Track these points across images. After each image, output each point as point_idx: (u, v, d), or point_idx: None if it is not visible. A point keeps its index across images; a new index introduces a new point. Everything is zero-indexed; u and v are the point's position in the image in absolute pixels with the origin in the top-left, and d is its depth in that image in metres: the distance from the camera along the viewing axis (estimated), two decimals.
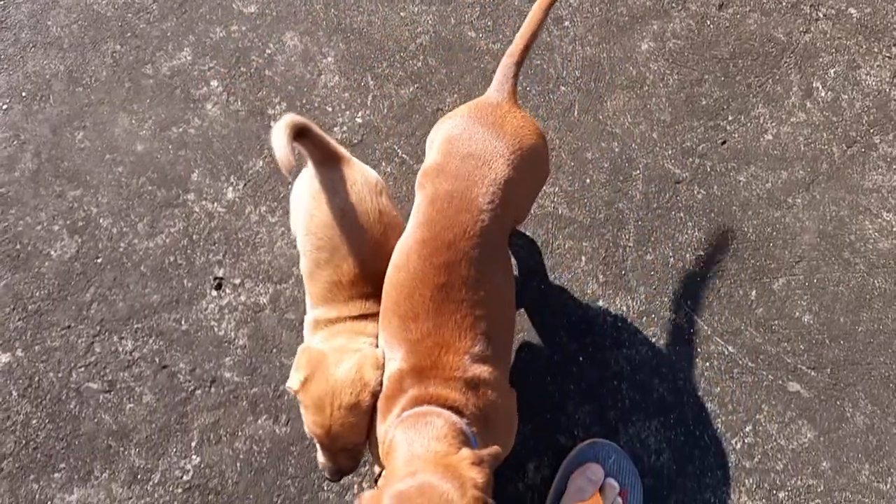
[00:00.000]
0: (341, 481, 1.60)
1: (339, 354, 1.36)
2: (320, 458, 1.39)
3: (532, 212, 1.96)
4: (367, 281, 1.44)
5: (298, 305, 1.86)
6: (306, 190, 1.51)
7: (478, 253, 1.33)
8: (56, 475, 1.71)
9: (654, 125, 2.05)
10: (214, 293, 1.89)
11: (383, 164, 2.00)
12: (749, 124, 2.05)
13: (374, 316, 1.43)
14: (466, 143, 1.40)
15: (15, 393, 1.78)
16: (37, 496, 1.69)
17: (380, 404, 1.32)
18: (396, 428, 1.25)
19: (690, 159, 2.01)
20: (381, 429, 1.31)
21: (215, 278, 1.90)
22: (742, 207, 1.97)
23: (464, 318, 1.30)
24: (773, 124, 2.04)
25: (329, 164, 1.49)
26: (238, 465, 1.73)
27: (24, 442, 1.74)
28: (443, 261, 1.30)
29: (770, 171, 2.00)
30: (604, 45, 2.13)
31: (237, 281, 1.90)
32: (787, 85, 2.08)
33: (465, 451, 1.16)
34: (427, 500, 1.07)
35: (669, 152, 2.02)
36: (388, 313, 1.36)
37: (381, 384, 1.32)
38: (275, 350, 1.83)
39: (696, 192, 1.98)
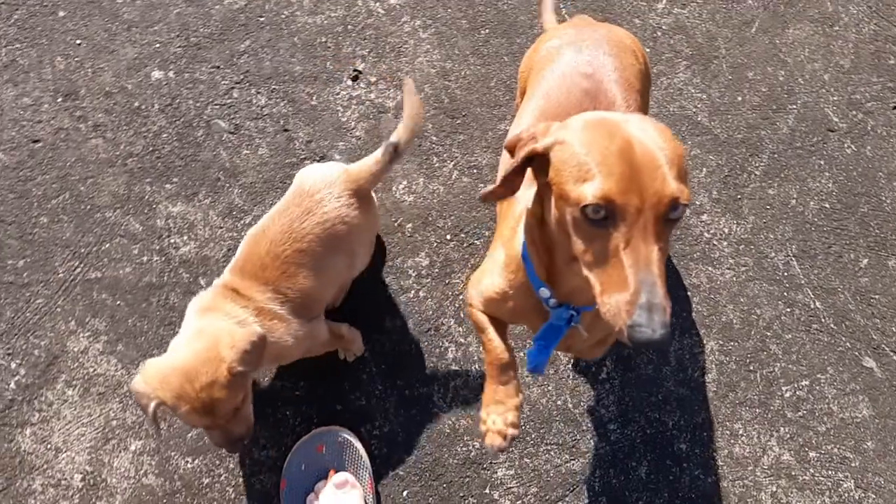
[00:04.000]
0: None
1: (189, 343, 1.37)
2: (212, 439, 1.41)
3: (670, 110, 1.92)
4: (270, 275, 1.46)
5: None
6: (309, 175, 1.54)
7: (616, 90, 1.31)
8: (168, 186, 1.90)
9: (830, 67, 1.93)
10: (350, 83, 1.99)
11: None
12: None
13: (260, 311, 1.44)
14: (580, 29, 1.42)
15: (157, 106, 1.96)
16: (147, 197, 1.89)
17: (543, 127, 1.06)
18: None
19: (854, 112, 1.90)
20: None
21: (355, 70, 1.99)
22: (889, 177, 1.85)
23: None
24: None
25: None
26: None
27: (150, 149, 1.93)
28: (587, 87, 1.30)
29: None
30: None
31: (373, 79, 1.98)
32: None
33: None
34: (640, 119, 0.91)
35: (834, 98, 1.91)
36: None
37: (241, 360, 1.32)
38: None
39: (846, 145, 1.88)
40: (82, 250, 1.84)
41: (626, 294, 0.83)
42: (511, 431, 1.28)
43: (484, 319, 1.32)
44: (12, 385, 1.73)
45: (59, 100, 1.96)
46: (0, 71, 1.97)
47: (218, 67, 2.00)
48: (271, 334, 1.45)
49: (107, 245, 1.85)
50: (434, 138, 1.92)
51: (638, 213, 0.83)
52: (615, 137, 0.86)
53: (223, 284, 1.48)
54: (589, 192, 0.84)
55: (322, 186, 1.50)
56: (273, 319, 1.47)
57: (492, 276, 1.25)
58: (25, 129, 1.93)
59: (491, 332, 1.32)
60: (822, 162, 1.87)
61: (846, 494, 1.64)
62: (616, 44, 1.37)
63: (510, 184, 0.99)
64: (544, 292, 1.10)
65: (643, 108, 1.57)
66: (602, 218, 0.84)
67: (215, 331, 1.38)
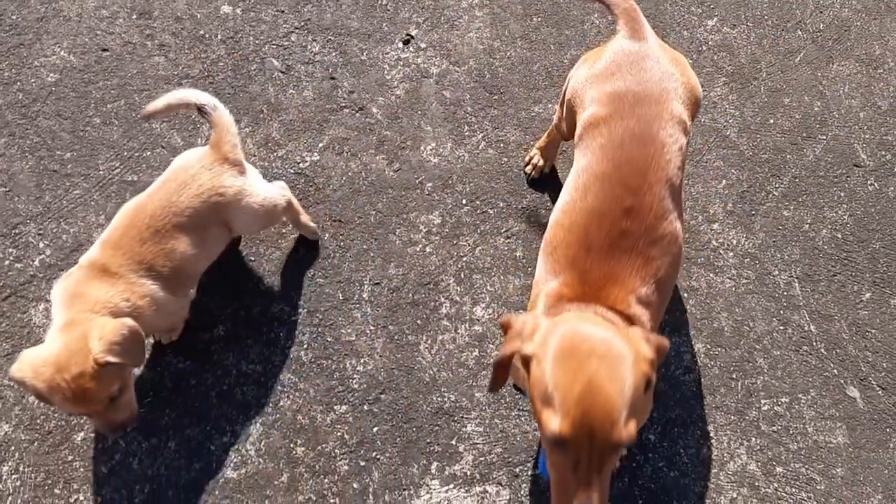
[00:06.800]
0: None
1: (62, 335, 1.40)
2: (94, 424, 1.44)
3: (701, 121, 1.97)
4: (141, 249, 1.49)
5: (457, 88, 2.02)
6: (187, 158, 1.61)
7: (662, 193, 1.27)
8: None
9: (867, 106, 1.96)
10: (400, 45, 2.09)
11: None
12: None
13: (125, 283, 1.47)
14: (631, 85, 1.34)
15: (219, 37, 2.10)
16: (192, 116, 2.01)
17: (530, 326, 1.14)
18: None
19: (883, 153, 1.91)
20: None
21: (407, 34, 2.10)
22: None
23: (637, 257, 1.25)
24: None
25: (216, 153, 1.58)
26: (344, 178, 1.95)
27: (206, 74, 2.06)
28: (629, 205, 1.26)
29: None
30: (863, 15, 2.04)
31: (423, 45, 2.08)
32: None
33: (637, 329, 1.12)
34: (607, 349, 1.03)
35: (866, 136, 1.93)
36: (556, 242, 1.32)
37: (109, 350, 1.35)
38: (419, 112, 2.01)
39: (869, 182, 1.89)
40: (125, 154, 1.96)
41: None
42: None
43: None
44: (36, 263, 1.85)
45: (134, 17, 2.11)
46: None
47: (282, 11, 2.12)
48: (142, 312, 1.47)
49: (148, 153, 1.97)
50: (469, 108, 2.01)
51: (587, 448, 1.01)
52: (580, 378, 1.01)
53: (91, 264, 1.50)
54: (548, 426, 1.02)
55: (195, 162, 1.56)
56: (144, 297, 1.49)
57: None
58: (98, 37, 2.08)
59: None
60: (842, 194, 1.89)
61: None
62: (669, 117, 1.31)
63: (501, 370, 1.16)
64: None
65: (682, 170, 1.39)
66: (559, 443, 1.02)
67: (85, 322, 1.41)
